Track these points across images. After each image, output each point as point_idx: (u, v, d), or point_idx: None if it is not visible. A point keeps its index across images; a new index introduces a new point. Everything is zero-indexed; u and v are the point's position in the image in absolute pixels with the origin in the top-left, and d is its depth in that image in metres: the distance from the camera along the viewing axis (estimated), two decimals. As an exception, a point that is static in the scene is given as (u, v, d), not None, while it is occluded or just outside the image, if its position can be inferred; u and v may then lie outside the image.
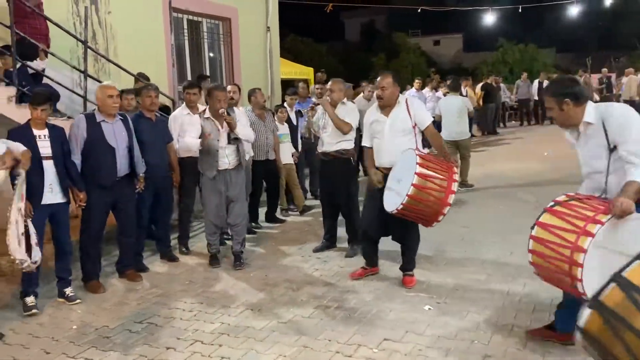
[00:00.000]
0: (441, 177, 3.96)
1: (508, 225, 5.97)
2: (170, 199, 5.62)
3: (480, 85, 16.11)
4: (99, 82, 6.76)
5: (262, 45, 10.79)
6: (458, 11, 26.77)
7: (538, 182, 8.36)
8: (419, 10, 19.77)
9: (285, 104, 7.69)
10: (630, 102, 14.31)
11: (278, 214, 7.16)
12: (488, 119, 15.49)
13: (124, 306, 4.39)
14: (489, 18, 25.05)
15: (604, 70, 18.77)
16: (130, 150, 4.80)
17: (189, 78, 9.59)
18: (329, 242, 5.64)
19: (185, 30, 9.42)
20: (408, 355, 3.33)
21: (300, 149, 7.66)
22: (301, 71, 14.75)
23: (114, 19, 7.68)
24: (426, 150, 4.66)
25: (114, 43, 7.69)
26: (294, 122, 7.61)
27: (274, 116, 7.05)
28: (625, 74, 16.65)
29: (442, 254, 5.26)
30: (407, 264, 4.58)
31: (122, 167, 4.75)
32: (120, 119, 4.79)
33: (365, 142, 4.67)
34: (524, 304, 3.99)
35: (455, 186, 3.99)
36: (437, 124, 11.90)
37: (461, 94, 10.24)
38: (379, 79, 4.43)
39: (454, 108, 8.46)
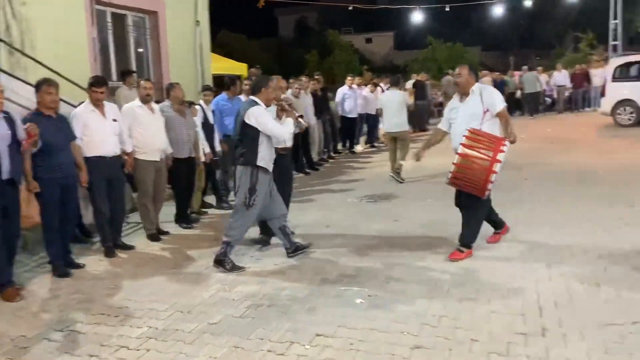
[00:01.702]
0: (487, 148, 4.51)
1: (437, 216, 6.15)
2: (76, 199, 5.32)
3: (411, 82, 16.50)
4: (14, 77, 6.37)
5: (191, 40, 10.54)
6: (389, 10, 27.29)
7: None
8: (350, 8, 19.98)
9: (200, 101, 7.40)
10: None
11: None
12: (419, 116, 15.88)
13: (44, 313, 4.15)
14: (418, 17, 25.71)
15: (525, 67, 19.70)
16: (12, 150, 4.39)
17: (114, 73, 9.21)
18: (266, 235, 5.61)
19: (109, 24, 9.03)
20: (340, 349, 3.33)
21: (218, 148, 7.41)
22: (234, 67, 14.52)
23: (29, 10, 7.24)
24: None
25: (29, 36, 7.24)
26: (211, 121, 7.32)
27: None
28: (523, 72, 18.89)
29: (375, 248, 5.33)
30: (461, 237, 4.92)
31: (4, 169, 4.35)
32: (4, 116, 4.41)
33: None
34: (452, 294, 4.10)
35: (501, 156, 4.46)
36: (378, 118, 12.36)
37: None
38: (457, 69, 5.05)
39: (394, 102, 9.04)
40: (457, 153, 4.61)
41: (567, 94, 19.01)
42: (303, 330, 3.60)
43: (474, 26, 34.53)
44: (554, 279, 4.25)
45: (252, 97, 5.02)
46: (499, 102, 4.82)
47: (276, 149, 5.12)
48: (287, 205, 5.42)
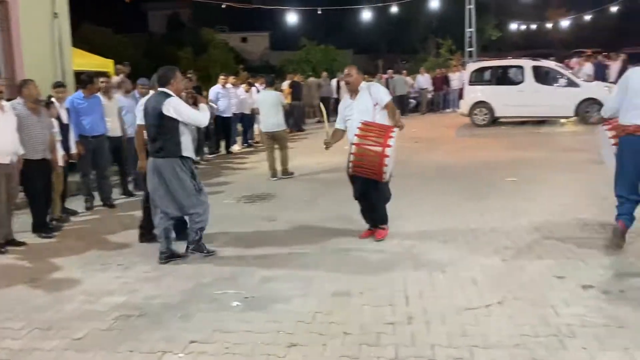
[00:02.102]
0: (378, 136, 4.97)
1: (312, 215, 6.28)
2: None
3: (287, 82, 16.68)
4: None
5: (48, 34, 9.71)
6: (264, 10, 27.30)
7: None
8: (224, 6, 19.71)
9: (52, 99, 6.83)
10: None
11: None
12: (295, 116, 16.11)
13: None
14: (293, 18, 26.02)
15: (390, 71, 20.82)
16: None
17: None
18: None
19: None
20: (215, 355, 3.27)
21: (74, 149, 6.94)
22: (100, 63, 13.62)
23: None
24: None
25: None
26: (64, 120, 6.81)
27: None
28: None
29: (251, 249, 5.31)
30: (375, 220, 5.42)
31: None
32: None
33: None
34: (326, 290, 4.21)
35: (391, 141, 4.93)
36: (253, 117, 12.33)
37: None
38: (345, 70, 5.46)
39: (270, 102, 9.20)
40: (352, 144, 4.99)
41: (429, 96, 20.47)
42: (176, 339, 3.48)
43: (346, 30, 35.78)
44: (418, 269, 4.54)
45: (162, 89, 4.88)
46: (385, 96, 5.31)
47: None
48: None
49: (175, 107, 4.75)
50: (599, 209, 5.92)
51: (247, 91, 13.14)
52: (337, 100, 17.82)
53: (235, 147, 12.91)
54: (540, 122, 15.04)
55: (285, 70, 26.50)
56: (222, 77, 12.66)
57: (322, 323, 3.62)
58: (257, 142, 13.02)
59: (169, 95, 4.79)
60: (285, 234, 5.80)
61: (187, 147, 4.90)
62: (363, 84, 5.36)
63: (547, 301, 3.77)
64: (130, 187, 8.12)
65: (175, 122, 4.77)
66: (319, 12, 22.90)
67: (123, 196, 7.92)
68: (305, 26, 30.68)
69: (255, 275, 4.59)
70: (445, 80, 20.35)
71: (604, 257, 4.55)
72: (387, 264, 4.71)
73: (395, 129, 5.08)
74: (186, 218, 5.12)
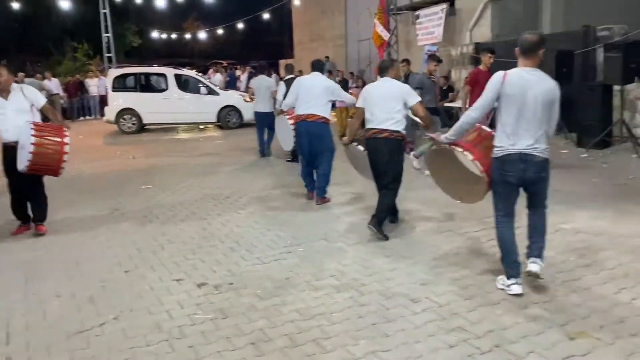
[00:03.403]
0: (54, 135, 5.33)
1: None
2: None
3: None
4: None
5: None
6: None
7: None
8: None
9: None
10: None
11: None
12: None
13: None
14: None
15: (21, 74, 18.42)
16: None
17: None
18: None
19: None
20: None
21: None
22: None
23: None
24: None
25: None
26: None
27: None
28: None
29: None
30: (34, 217, 5.73)
31: None
32: None
33: None
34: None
35: (67, 139, 5.39)
36: None
37: None
38: None
39: None
40: (32, 143, 5.09)
41: (62, 102, 18.84)
42: None
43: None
44: (29, 297, 4.02)
45: None
46: (41, 99, 5.53)
47: None
48: None
49: None
50: (221, 209, 6.44)
51: None
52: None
53: None
54: (189, 128, 15.74)
55: None
56: None
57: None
58: None
59: None
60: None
61: None
62: (15, 85, 5.40)
63: (163, 307, 3.82)
64: None
65: None
66: None
67: None
68: None
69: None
70: (81, 86, 19.13)
71: (219, 254, 4.91)
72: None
73: (65, 129, 5.49)
74: None
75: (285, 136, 7.64)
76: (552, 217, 5.46)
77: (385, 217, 5.21)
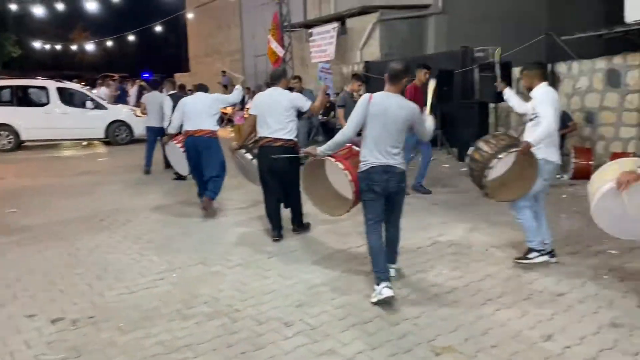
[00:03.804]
0: None
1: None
2: None
3: None
4: None
5: None
6: None
7: None
8: None
9: None
10: None
11: None
12: None
13: None
14: None
15: None
16: None
17: None
18: None
19: None
20: None
21: None
22: None
23: None
24: None
25: None
26: None
27: None
28: None
29: None
30: None
31: None
32: None
33: None
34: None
35: None
36: None
37: None
38: None
39: None
40: None
41: None
42: None
43: None
44: None
45: None
46: None
47: None
48: None
49: None
50: (93, 233, 5.98)
51: None
52: None
53: None
54: (72, 144, 14.72)
55: None
56: None
57: None
58: None
59: None
60: None
61: None
62: None
63: (7, 348, 3.39)
64: None
65: None
66: None
67: None
68: None
69: None
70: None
71: (82, 284, 4.49)
72: None
73: None
74: None
75: (179, 161, 7.33)
76: (428, 230, 5.68)
77: (301, 216, 5.66)
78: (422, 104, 7.48)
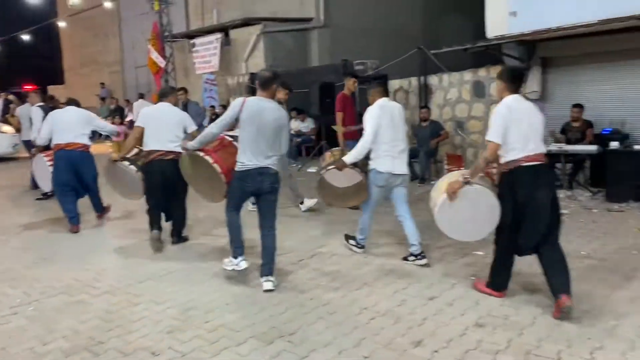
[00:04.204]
0: None
1: None
2: None
3: None
4: None
5: None
6: None
7: None
8: None
9: None
10: None
11: None
12: None
13: None
14: None
15: None
16: None
17: None
18: None
19: None
20: None
21: None
22: None
23: None
24: None
25: None
26: None
27: None
28: None
29: None
30: None
31: None
32: None
33: None
34: None
35: None
36: None
37: None
38: None
39: None
40: None
41: None
42: None
43: None
44: None
45: None
46: None
47: None
48: None
49: None
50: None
51: None
52: None
53: None
54: None
55: None
56: None
57: None
58: None
59: None
60: None
61: None
62: None
63: None
64: None
65: None
66: None
67: None
68: None
69: None
70: None
71: None
72: None
73: None
74: None
75: (44, 176, 6.83)
76: (308, 243, 5.67)
77: (183, 227, 5.77)
78: (352, 113, 7.54)
